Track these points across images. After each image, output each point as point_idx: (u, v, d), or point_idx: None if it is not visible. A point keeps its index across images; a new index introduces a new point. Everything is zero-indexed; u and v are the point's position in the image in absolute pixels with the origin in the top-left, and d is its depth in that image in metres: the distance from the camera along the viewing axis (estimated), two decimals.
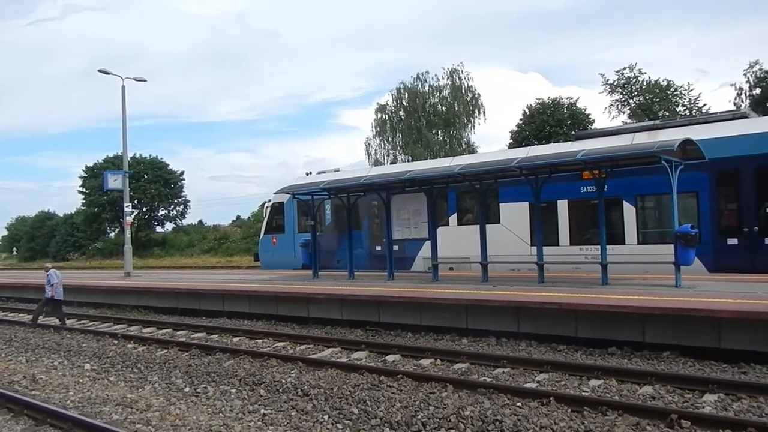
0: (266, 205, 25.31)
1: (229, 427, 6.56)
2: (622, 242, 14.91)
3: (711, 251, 14.04)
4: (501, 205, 16.75)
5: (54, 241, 66.02)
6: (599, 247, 12.58)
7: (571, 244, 15.90)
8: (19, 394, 8.05)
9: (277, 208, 23.71)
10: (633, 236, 15.11)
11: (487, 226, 14.53)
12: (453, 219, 18.43)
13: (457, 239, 16.76)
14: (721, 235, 14.18)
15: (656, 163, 11.49)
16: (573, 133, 30.71)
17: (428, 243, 16.14)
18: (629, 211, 15.20)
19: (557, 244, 15.42)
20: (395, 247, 17.51)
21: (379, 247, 20.15)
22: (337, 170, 24.01)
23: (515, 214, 16.78)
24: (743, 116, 15.40)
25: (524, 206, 16.37)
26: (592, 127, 36.34)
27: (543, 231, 14.83)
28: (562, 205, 16.13)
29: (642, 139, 15.05)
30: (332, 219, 22.06)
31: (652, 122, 18.51)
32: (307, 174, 24.89)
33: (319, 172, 24.55)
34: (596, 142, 15.22)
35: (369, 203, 19.85)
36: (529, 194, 13.93)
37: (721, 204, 14.51)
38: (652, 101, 38.44)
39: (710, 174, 13.90)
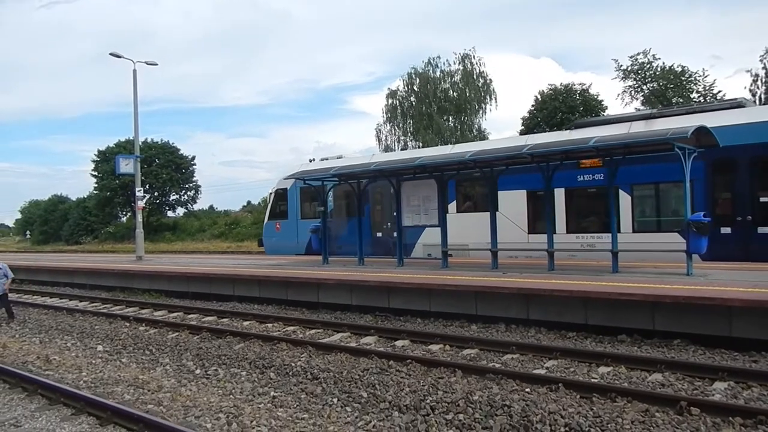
0: (270, 191, 25.60)
1: (240, 409, 6.63)
2: (618, 230, 14.59)
3: (705, 240, 13.94)
4: (499, 193, 16.59)
5: (67, 224, 66.60)
6: (595, 235, 12.78)
7: (568, 232, 16.05)
8: (33, 374, 8.17)
9: (281, 195, 23.99)
10: (628, 224, 15.20)
11: (486, 213, 14.60)
12: (452, 206, 18.42)
13: (455, 226, 16.78)
14: (715, 224, 14.00)
15: (669, 150, 11.38)
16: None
17: (428, 230, 16.59)
18: (625, 199, 15.27)
19: (555, 232, 15.24)
20: (394, 234, 17.75)
21: (379, 234, 20.52)
22: (339, 157, 24.08)
23: (513, 202, 16.87)
24: (740, 105, 15.36)
25: (522, 194, 16.69)
26: (605, 114, 36.25)
27: (540, 219, 15.22)
28: (559, 194, 16.13)
29: (639, 127, 15.12)
30: (333, 206, 22.28)
31: (649, 111, 18.55)
32: (311, 161, 25.12)
33: (322, 159, 24.80)
34: (595, 131, 15.24)
35: (371, 190, 19.97)
36: (526, 182, 14.21)
37: (716, 193, 14.53)
38: (665, 87, 37.98)
39: (706, 163, 13.85)
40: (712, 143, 12.05)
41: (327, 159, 24.43)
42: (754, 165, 13.65)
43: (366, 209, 20.69)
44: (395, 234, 17.28)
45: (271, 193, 25.37)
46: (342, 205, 22.10)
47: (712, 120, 13.47)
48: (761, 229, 13.09)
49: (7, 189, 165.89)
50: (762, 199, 13.38)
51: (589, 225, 15.90)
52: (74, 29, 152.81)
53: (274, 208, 24.67)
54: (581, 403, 6.40)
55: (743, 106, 15.24)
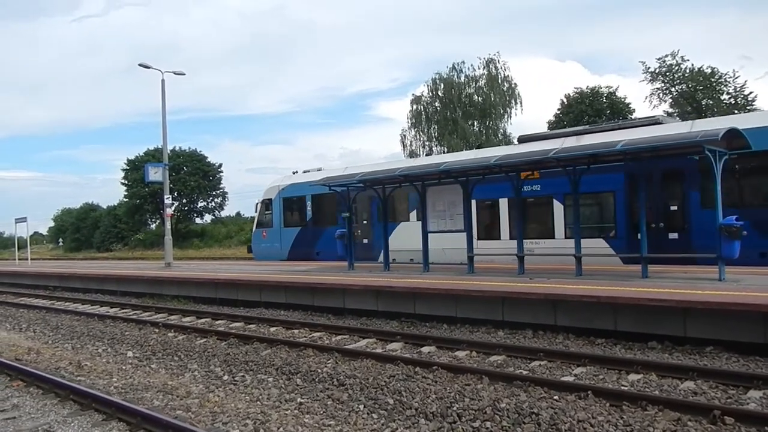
0: (257, 201, 27.36)
1: (267, 415, 6.66)
2: (552, 236, 16.72)
3: (625, 244, 15.52)
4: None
5: (98, 232, 67.78)
6: (536, 240, 14.74)
7: (511, 238, 17.29)
8: (65, 380, 8.31)
9: (267, 204, 25.98)
10: (561, 231, 16.66)
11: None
12: (413, 215, 19.86)
13: (416, 233, 17.68)
14: (633, 230, 15.17)
15: (700, 153, 11.20)
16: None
17: (395, 234, 18.12)
18: (558, 208, 16.74)
19: (499, 238, 17.18)
20: (365, 240, 20.77)
21: (366, 240, 22.16)
22: (319, 169, 26.14)
23: (482, 210, 18.35)
24: (657, 122, 16.61)
25: (472, 204, 17.65)
26: (632, 117, 35.97)
27: (487, 226, 16.88)
28: (504, 203, 17.88)
29: (571, 142, 16.35)
30: (312, 213, 24.19)
31: (581, 128, 20.18)
32: (294, 173, 26.68)
33: (304, 171, 26.42)
34: (537, 145, 16.75)
35: (359, 199, 21.20)
36: (494, 191, 15.80)
37: (634, 202, 15.37)
38: (695, 89, 37.31)
39: (625, 175, 15.18)
40: (743, 146, 11.91)
41: (309, 171, 26.11)
42: (665, 177, 14.81)
43: (340, 218, 22.32)
44: (365, 240, 20.18)
45: (257, 203, 27.07)
46: (324, 213, 23.91)
47: (631, 136, 14.43)
48: (671, 235, 14.02)
49: (41, 198, 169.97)
50: (672, 208, 14.67)
51: (530, 231, 17.12)
52: (105, 42, 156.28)
53: (261, 216, 26.63)
54: (611, 411, 6.29)
55: (660, 123, 16.49)
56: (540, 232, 16.98)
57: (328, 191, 19.13)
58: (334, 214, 22.68)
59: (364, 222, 22.39)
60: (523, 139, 20.72)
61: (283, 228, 25.31)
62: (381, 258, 20.07)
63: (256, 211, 27.68)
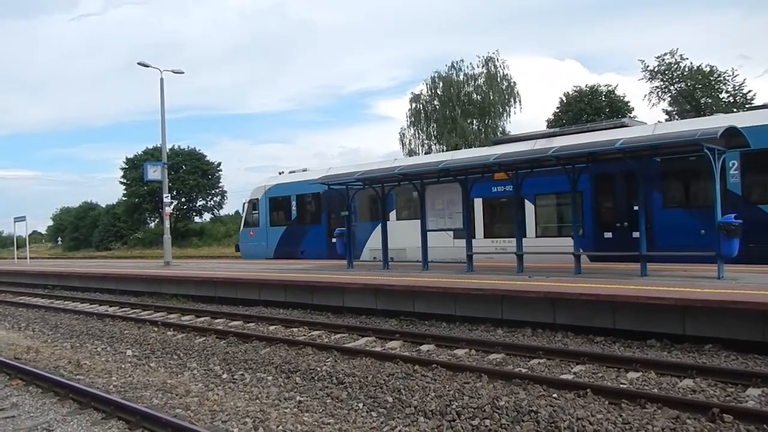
0: (244, 201, 28.16)
1: (266, 413, 6.67)
2: (524, 235, 16.55)
3: (592, 244, 16.15)
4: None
5: (97, 231, 67.80)
6: (508, 239, 15.09)
7: (485, 237, 18.33)
8: (65, 379, 8.31)
9: (254, 204, 26.83)
10: (533, 230, 17.37)
11: (417, 220, 16.27)
12: (393, 215, 20.83)
13: (395, 233, 18.68)
14: (600, 229, 16.40)
15: (699, 152, 11.21)
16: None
17: (375, 233, 19.10)
18: (529, 208, 17.36)
19: (474, 237, 17.33)
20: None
21: (334, 240, 22.61)
22: (305, 170, 26.59)
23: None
24: (623, 125, 17.29)
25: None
26: (631, 116, 36.13)
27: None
28: (478, 203, 18.49)
29: (542, 144, 16.94)
30: (297, 213, 24.93)
31: (551, 130, 21.19)
32: (280, 173, 27.38)
33: (290, 172, 27.01)
34: (509, 147, 17.48)
35: (328, 199, 22.65)
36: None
37: (600, 203, 16.63)
38: (694, 88, 37.31)
39: (591, 176, 15.69)
40: (743, 144, 11.92)
41: (294, 172, 26.79)
42: (628, 179, 15.12)
43: (323, 217, 23.70)
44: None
45: (245, 203, 27.91)
46: (304, 213, 24.80)
47: (598, 137, 15.02)
48: (635, 234, 14.03)
49: (40, 197, 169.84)
50: (635, 208, 14.55)
51: (502, 230, 18.11)
52: (105, 41, 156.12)
53: (248, 216, 27.49)
54: (610, 409, 6.29)
55: (626, 126, 17.09)
56: (512, 231, 16.94)
57: (312, 192, 20.22)
58: (318, 214, 23.88)
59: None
60: (496, 141, 22.13)
61: (269, 227, 26.04)
62: (362, 256, 21.62)
63: (243, 211, 28.68)
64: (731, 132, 11.27)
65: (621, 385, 7.21)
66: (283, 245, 25.44)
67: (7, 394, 7.93)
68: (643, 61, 39.53)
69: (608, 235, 16.12)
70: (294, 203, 24.90)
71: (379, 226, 17.66)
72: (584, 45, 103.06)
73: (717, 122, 12.98)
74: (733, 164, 14.13)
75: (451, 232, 17.59)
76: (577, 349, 9.02)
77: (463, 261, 15.74)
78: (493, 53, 45.86)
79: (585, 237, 15.91)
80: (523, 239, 14.47)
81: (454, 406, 6.51)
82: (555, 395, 6.83)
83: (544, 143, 16.97)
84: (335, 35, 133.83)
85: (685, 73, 37.75)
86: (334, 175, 19.88)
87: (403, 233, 19.16)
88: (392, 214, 20.79)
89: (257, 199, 26.58)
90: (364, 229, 21.67)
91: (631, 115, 37.83)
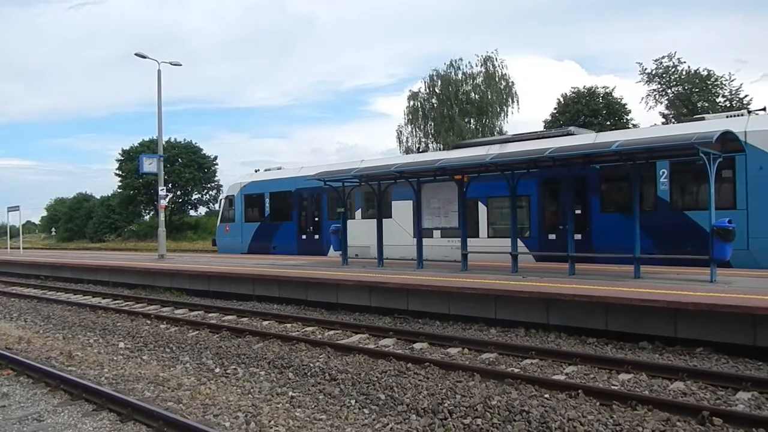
0: (220, 198, 29.27)
1: (258, 408, 6.67)
2: (477, 235, 17.87)
3: (537, 244, 17.04)
4: (393, 203, 20.28)
5: (91, 222, 67.55)
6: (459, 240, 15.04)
7: (442, 237, 18.76)
8: (56, 370, 8.29)
9: (230, 201, 27.59)
10: (485, 230, 18.25)
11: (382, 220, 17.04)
12: (358, 214, 21.97)
13: (360, 230, 19.92)
14: (544, 231, 17.24)
15: (694, 155, 11.25)
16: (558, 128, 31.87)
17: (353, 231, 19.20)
18: (482, 210, 18.33)
19: (432, 237, 18.19)
20: (316, 236, 23.13)
21: (304, 236, 24.18)
22: (279, 168, 27.31)
23: (403, 211, 19.91)
24: (569, 133, 17.86)
25: (409, 204, 18.75)
26: (628, 118, 36.31)
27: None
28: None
29: (495, 150, 17.55)
30: (270, 210, 25.63)
31: (505, 137, 22.52)
32: (256, 171, 28.19)
33: (266, 170, 27.74)
34: (468, 151, 18.61)
35: (296, 198, 24.08)
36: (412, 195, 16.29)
37: (545, 206, 17.51)
38: (691, 91, 37.44)
39: (537, 182, 16.71)
40: (738, 149, 12.06)
41: (270, 170, 27.47)
42: (570, 184, 14.98)
43: (293, 214, 24.56)
44: (316, 236, 22.94)
45: (221, 200, 28.85)
46: (277, 210, 25.47)
47: (546, 144, 15.32)
48: (575, 236, 14.53)
49: (35, 187, 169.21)
50: (577, 212, 15.31)
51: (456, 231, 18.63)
52: (102, 31, 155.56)
53: (224, 212, 28.21)
54: (601, 410, 6.33)
55: (572, 134, 17.67)
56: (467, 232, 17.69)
57: (285, 190, 21.88)
58: (290, 211, 24.85)
59: (315, 219, 23.93)
60: (456, 146, 23.41)
61: (244, 223, 26.85)
62: (329, 253, 22.26)
63: (219, 207, 29.42)
64: (726, 137, 11.33)
65: (612, 387, 7.24)
66: (257, 240, 26.18)
67: None
68: (641, 63, 39.71)
69: (552, 236, 16.98)
70: (267, 200, 25.73)
71: (348, 224, 18.29)
72: (583, 46, 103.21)
73: (647, 134, 14.31)
74: (663, 173, 14.96)
75: (412, 231, 18.62)
76: (569, 350, 9.05)
77: (447, 260, 16.20)
78: (492, 53, 45.89)
79: (531, 238, 17.17)
80: (476, 239, 15.66)
81: (446, 405, 6.52)
82: (547, 395, 6.85)
83: (498, 149, 17.70)
84: (335, 31, 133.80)
85: (683, 77, 37.88)
86: (331, 172, 19.87)
87: (368, 231, 19.48)
88: (357, 213, 21.95)
89: (233, 195, 27.35)
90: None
91: (627, 118, 38.02)
